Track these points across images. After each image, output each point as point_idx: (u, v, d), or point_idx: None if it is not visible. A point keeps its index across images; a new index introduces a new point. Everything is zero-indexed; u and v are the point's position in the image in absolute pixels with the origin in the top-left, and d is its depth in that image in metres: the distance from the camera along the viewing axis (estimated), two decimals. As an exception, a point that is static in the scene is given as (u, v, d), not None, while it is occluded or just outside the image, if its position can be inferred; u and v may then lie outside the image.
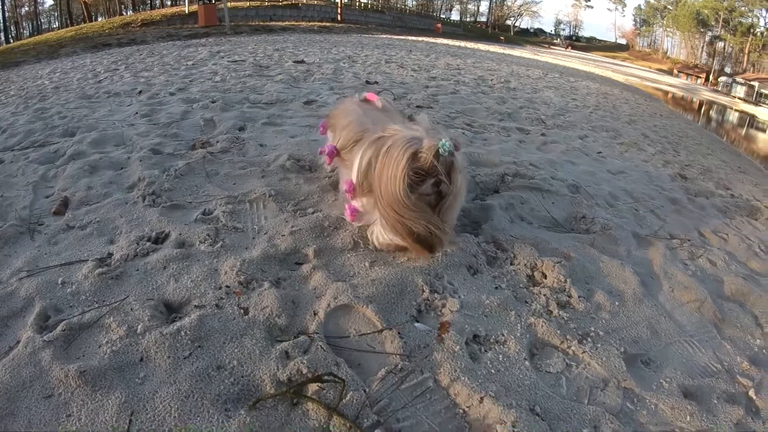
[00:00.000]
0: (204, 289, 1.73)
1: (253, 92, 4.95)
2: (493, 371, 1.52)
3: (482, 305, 1.81)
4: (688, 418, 1.59)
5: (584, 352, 1.73)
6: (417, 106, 4.84)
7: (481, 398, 1.39)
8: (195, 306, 1.65)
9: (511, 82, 9.04)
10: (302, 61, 7.55)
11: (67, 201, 2.41)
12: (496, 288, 1.94)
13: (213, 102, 4.33)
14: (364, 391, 1.36)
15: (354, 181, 1.99)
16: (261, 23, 22.24)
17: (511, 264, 2.14)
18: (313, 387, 1.35)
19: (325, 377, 1.37)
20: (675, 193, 4.46)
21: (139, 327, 1.53)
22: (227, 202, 2.38)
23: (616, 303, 2.11)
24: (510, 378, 1.52)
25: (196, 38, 13.66)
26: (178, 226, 2.15)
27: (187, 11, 22.21)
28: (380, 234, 2.04)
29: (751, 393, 1.93)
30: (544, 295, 1.97)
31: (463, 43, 24.13)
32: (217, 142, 3.26)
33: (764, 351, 2.30)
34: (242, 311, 1.63)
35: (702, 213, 4.20)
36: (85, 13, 38.40)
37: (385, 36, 21.06)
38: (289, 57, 8.00)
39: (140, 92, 5.01)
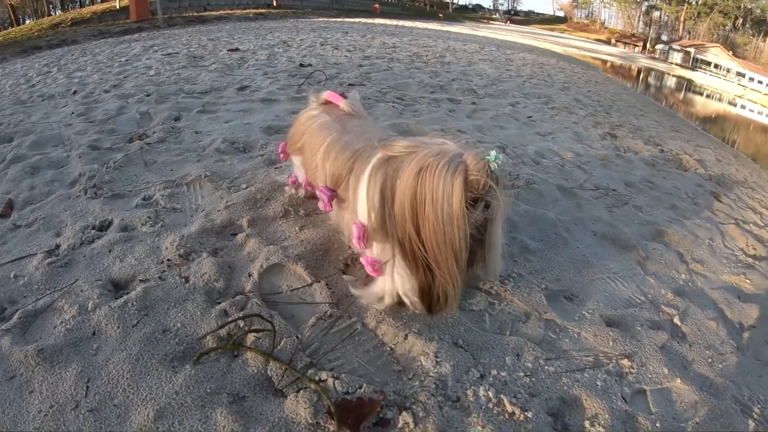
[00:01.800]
0: (147, 265, 1.85)
1: (187, 83, 4.99)
2: (417, 312, 1.68)
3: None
4: (611, 343, 1.76)
5: (506, 291, 1.92)
6: (349, 84, 4.95)
7: (406, 335, 1.56)
8: (140, 280, 1.76)
9: (446, 57, 9.20)
10: (236, 49, 7.56)
11: (11, 203, 2.46)
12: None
13: (148, 95, 4.36)
14: (297, 337, 1.51)
15: (366, 223, 1.58)
16: (195, 14, 21.82)
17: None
18: (250, 338, 1.50)
19: (254, 317, 1.54)
20: (603, 150, 4.70)
21: (90, 305, 1.63)
22: (165, 187, 2.48)
23: (539, 247, 2.30)
24: (437, 319, 1.69)
25: (129, 34, 13.39)
26: (121, 212, 2.24)
27: (118, 6, 21.58)
28: (402, 282, 1.57)
29: (676, 320, 2.12)
30: None
31: (401, 22, 24.20)
32: (154, 133, 3.32)
33: (689, 284, 2.52)
34: (183, 280, 1.75)
35: (629, 166, 4.45)
36: (12, 17, 36.87)
37: (322, 19, 21.00)
38: (224, 46, 7.99)
39: (75, 92, 4.99)
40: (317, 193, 1.86)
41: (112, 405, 1.29)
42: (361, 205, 1.60)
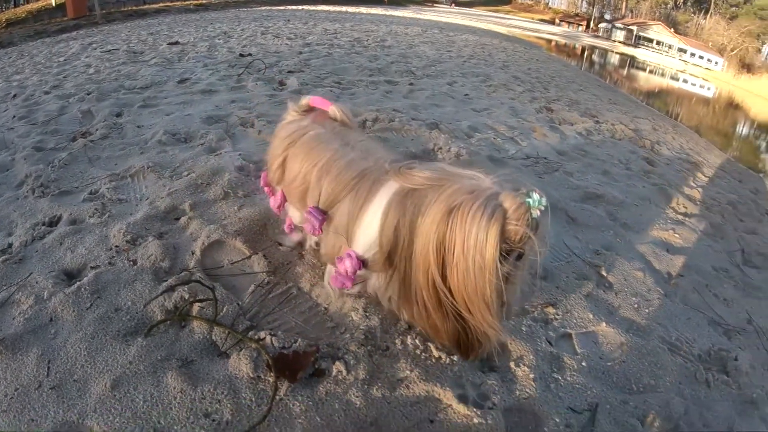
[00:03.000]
0: (97, 253, 1.94)
1: (128, 79, 4.99)
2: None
3: (339, 225, 2.12)
4: (536, 293, 1.93)
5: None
6: (288, 72, 5.05)
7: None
8: (91, 267, 1.86)
9: (387, 40, 9.30)
10: (177, 42, 7.52)
11: (-40, 209, 2.52)
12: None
13: (89, 94, 4.37)
14: (238, 304, 1.65)
15: (364, 257, 1.45)
16: (134, 8, 21.30)
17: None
18: (195, 308, 1.64)
19: (194, 283, 1.69)
20: (538, 123, 4.91)
21: (45, 294, 1.72)
22: (111, 180, 2.56)
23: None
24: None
25: (67, 32, 13.06)
26: (69, 208, 2.31)
27: (54, 3, 20.93)
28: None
29: (603, 272, 2.30)
30: None
31: (344, 8, 24.08)
32: (96, 130, 3.36)
33: (618, 240, 2.73)
34: (131, 263, 1.87)
35: (563, 137, 4.66)
36: (-59, 21, 35.28)
37: (264, 8, 20.75)
38: (164, 40, 7.94)
39: (14, 96, 4.94)
40: (305, 215, 1.65)
41: (72, 380, 1.39)
42: (361, 237, 1.45)
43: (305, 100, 1.92)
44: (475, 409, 1.42)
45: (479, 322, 1.28)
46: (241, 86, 4.28)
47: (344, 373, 1.44)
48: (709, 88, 31.39)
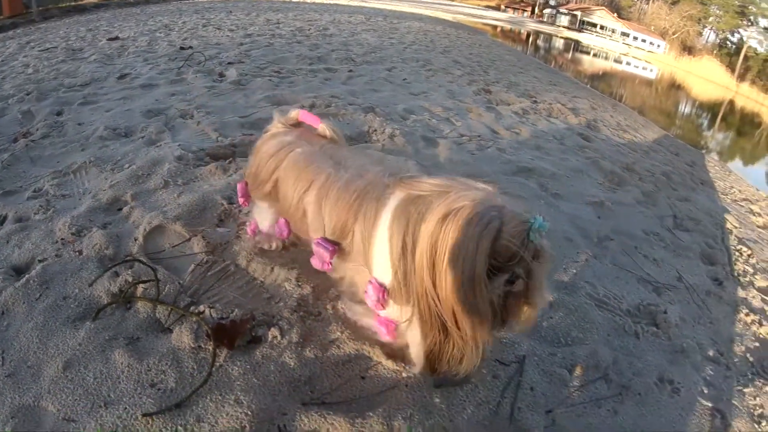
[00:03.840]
0: (44, 247, 2.00)
1: (67, 77, 4.92)
2: (283, 252, 1.96)
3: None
4: None
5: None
6: (228, 63, 5.09)
7: (272, 268, 1.85)
8: (38, 261, 1.91)
9: (330, 29, 9.35)
10: (116, 38, 7.41)
11: None
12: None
13: (28, 94, 4.31)
14: (179, 283, 1.75)
15: (385, 282, 1.35)
16: (73, 3, 20.70)
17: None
18: (139, 290, 1.73)
19: (136, 259, 1.78)
20: (474, 104, 5.06)
21: None
22: (54, 178, 2.59)
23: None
24: (298, 254, 1.95)
25: (2, 31, 12.66)
26: (14, 207, 2.34)
27: (-13, 3, 20.16)
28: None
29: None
30: None
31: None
32: (37, 129, 3.35)
33: (549, 208, 2.96)
34: (77, 253, 1.93)
35: (498, 116, 4.82)
36: None
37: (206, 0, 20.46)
38: (104, 35, 7.78)
39: (-50, 100, 4.86)
40: (313, 247, 1.52)
41: (26, 367, 1.46)
42: (377, 260, 1.36)
43: (293, 114, 1.81)
44: (402, 363, 1.56)
45: (466, 337, 1.20)
46: (181, 79, 4.30)
47: (279, 338, 1.56)
48: (651, 70, 32.39)
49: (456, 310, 1.16)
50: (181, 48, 6.10)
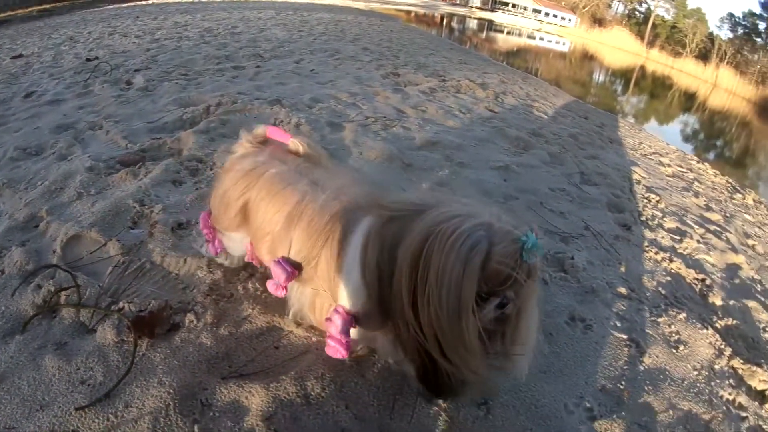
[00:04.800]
0: (-35, 273, 1.98)
1: (-32, 102, 4.73)
2: (194, 243, 2.02)
3: (183, 203, 2.31)
4: None
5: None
6: (135, 70, 4.99)
7: (185, 260, 1.91)
8: (-41, 286, 1.92)
9: (239, 27, 9.22)
10: (20, 55, 7.08)
11: None
12: (197, 190, 2.44)
13: (-72, 124, 4.16)
14: (99, 286, 1.78)
15: (352, 310, 1.26)
16: (-29, 26, 19.51)
17: (211, 170, 2.65)
18: (62, 298, 1.75)
19: (54, 265, 1.80)
20: (382, 88, 5.16)
21: None
22: (-35, 204, 2.54)
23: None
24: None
25: None
26: None
27: None
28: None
29: None
30: None
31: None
32: (-59, 159, 3.26)
33: (452, 177, 3.07)
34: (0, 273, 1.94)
35: (405, 96, 4.94)
36: None
37: (113, 6, 19.61)
38: (6, 53, 7.35)
39: None
40: (271, 266, 1.41)
41: None
42: (345, 287, 1.25)
43: (260, 130, 1.63)
44: (313, 329, 1.66)
45: (455, 366, 1.09)
46: (89, 91, 4.19)
47: (195, 321, 1.63)
48: (564, 44, 33.54)
49: (441, 341, 1.05)
50: (87, 59, 5.91)
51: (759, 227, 4.49)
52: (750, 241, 3.84)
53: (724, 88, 29.04)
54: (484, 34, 29.43)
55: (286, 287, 1.41)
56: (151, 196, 2.36)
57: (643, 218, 3.38)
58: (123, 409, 1.35)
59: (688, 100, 22.92)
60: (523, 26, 38.68)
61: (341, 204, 1.31)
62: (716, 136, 16.21)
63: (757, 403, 1.98)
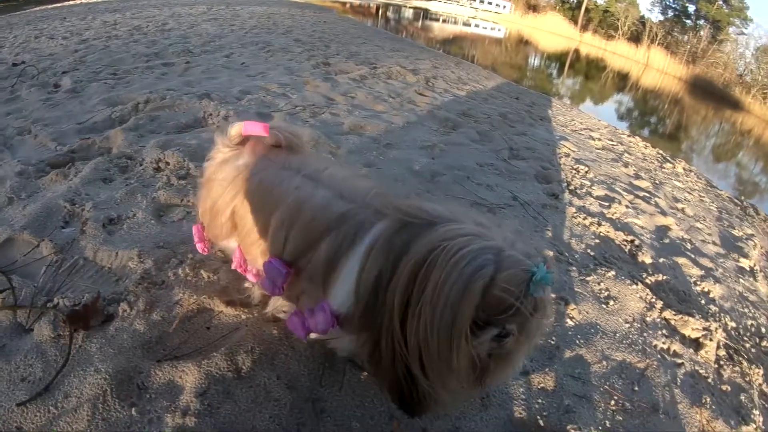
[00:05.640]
0: None
1: None
2: (126, 236, 2.03)
3: (114, 199, 2.29)
4: None
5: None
6: (63, 72, 4.80)
7: (116, 253, 1.91)
8: None
9: (169, 23, 8.95)
10: (-58, 65, 6.75)
11: None
12: (127, 185, 2.42)
13: None
14: (34, 286, 1.76)
15: (340, 312, 1.18)
16: None
17: (140, 165, 2.63)
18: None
19: None
20: (312, 77, 5.16)
21: None
22: None
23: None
24: (140, 235, 2.04)
25: None
26: None
27: None
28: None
29: None
30: (166, 175, 2.51)
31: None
32: None
33: (380, 158, 3.14)
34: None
35: (335, 85, 4.95)
36: None
37: (38, 9, 18.73)
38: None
39: None
40: (265, 267, 1.31)
41: None
42: (340, 286, 1.16)
43: (235, 130, 1.49)
44: (241, 308, 1.70)
45: (432, 384, 1.02)
46: (16, 97, 4.01)
47: (128, 310, 1.64)
48: (499, 30, 34.00)
49: (425, 357, 0.98)
50: (14, 64, 5.65)
51: (688, 192, 4.74)
52: (679, 205, 4.06)
53: (656, 67, 30.26)
54: (420, 23, 29.58)
55: (282, 287, 1.30)
56: (82, 195, 2.32)
57: (572, 187, 3.51)
58: (62, 400, 1.35)
59: (622, 81, 23.77)
60: (459, 14, 38.90)
61: (349, 204, 1.21)
62: (649, 113, 16.88)
63: (692, 350, 2.11)
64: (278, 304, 1.50)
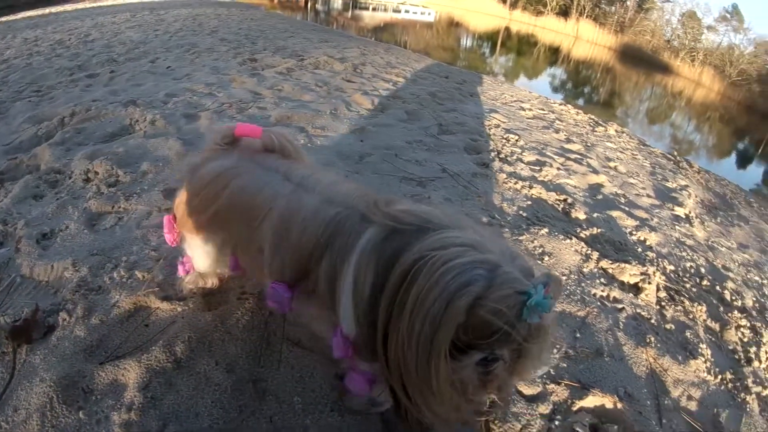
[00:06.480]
0: None
1: None
2: (60, 249, 2.00)
3: (46, 214, 2.25)
4: None
5: (131, 204, 2.32)
6: (-20, 99, 4.59)
7: (52, 266, 1.88)
8: None
9: (92, 34, 8.60)
10: None
11: None
12: (58, 199, 2.37)
13: None
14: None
15: (349, 334, 1.06)
16: None
17: (70, 178, 2.57)
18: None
19: None
20: (238, 74, 5.10)
21: None
22: None
23: (161, 165, 2.70)
24: (73, 245, 2.02)
25: None
26: None
27: None
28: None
29: None
30: (96, 184, 2.48)
31: (47, 10, 21.30)
32: None
33: (309, 144, 3.17)
34: None
35: (261, 79, 4.91)
36: None
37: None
38: None
39: None
40: (268, 292, 1.19)
41: None
42: (345, 305, 1.03)
43: (227, 130, 1.39)
44: (177, 302, 1.72)
45: (417, 407, 0.92)
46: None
47: (68, 319, 1.63)
48: (429, 14, 33.94)
49: (404, 378, 0.89)
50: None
51: (621, 152, 4.92)
52: (612, 164, 4.21)
53: (586, 39, 30.98)
54: (350, 14, 29.30)
55: (291, 306, 1.19)
56: (13, 214, 2.26)
57: (502, 155, 3.61)
58: (12, 414, 1.35)
59: (553, 54, 24.26)
60: (388, 1, 38.56)
61: (336, 208, 1.09)
62: (582, 83, 17.29)
63: (631, 295, 2.21)
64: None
